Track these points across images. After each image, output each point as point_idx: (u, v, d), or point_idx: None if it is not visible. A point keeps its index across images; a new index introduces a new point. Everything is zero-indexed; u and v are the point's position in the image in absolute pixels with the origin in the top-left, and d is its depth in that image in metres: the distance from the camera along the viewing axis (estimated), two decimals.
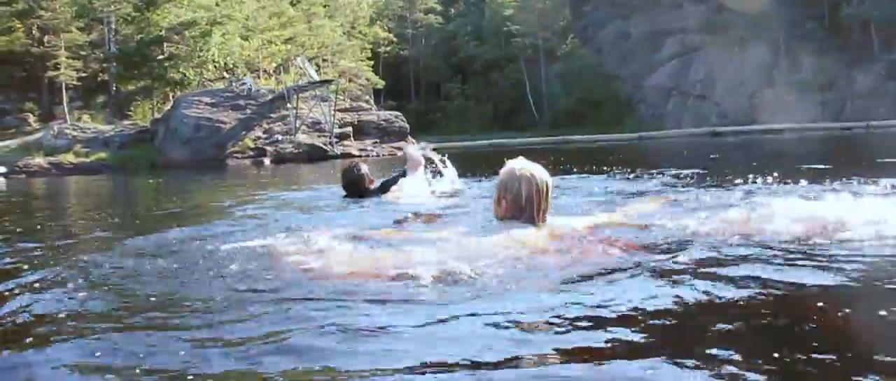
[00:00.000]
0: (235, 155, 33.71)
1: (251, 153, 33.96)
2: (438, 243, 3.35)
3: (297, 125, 35.03)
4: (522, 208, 3.43)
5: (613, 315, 2.17)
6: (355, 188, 6.48)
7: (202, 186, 15.68)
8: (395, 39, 67.43)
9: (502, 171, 3.55)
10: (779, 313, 2.14)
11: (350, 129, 36.52)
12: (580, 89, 60.83)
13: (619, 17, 66.20)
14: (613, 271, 2.75)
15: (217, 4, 44.30)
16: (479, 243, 3.24)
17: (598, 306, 2.26)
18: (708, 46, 57.48)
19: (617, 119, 56.20)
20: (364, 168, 6.62)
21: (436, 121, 60.35)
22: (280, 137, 34.73)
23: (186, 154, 33.68)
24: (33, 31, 44.91)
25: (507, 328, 2.06)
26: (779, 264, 2.69)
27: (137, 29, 42.10)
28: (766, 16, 51.75)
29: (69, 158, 35.13)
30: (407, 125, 38.70)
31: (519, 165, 3.52)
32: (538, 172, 3.49)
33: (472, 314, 2.21)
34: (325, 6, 59.64)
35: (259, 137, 34.97)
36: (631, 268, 2.78)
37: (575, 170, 10.22)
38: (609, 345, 1.92)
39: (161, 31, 40.91)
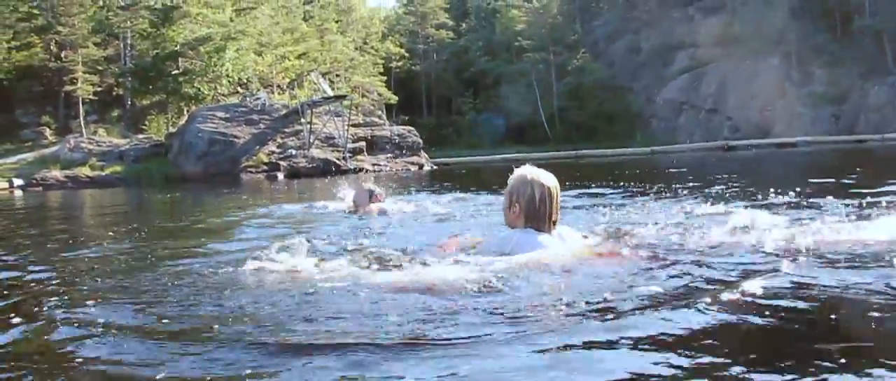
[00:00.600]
0: (249, 169, 33.90)
1: (265, 168, 34.13)
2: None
3: (311, 140, 35.21)
4: (536, 210, 3.53)
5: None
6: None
7: (218, 200, 15.80)
8: (406, 54, 67.47)
9: (512, 177, 3.65)
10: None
11: (363, 144, 36.66)
12: (592, 104, 60.81)
13: (629, 32, 66.31)
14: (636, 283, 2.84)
15: (231, 20, 44.65)
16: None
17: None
18: (719, 60, 57.41)
19: (629, 133, 56.13)
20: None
21: (448, 136, 60.35)
22: (294, 152, 34.91)
23: (201, 168, 33.91)
24: (51, 47, 45.48)
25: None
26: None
27: (153, 44, 42.55)
28: (778, 28, 51.68)
29: (85, 171, 35.46)
30: (420, 140, 38.80)
31: (529, 171, 3.64)
32: (548, 178, 3.60)
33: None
34: (337, 22, 59.96)
35: (273, 152, 35.16)
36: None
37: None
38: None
39: (176, 46, 41.29)
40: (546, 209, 3.54)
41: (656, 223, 4.55)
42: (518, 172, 3.66)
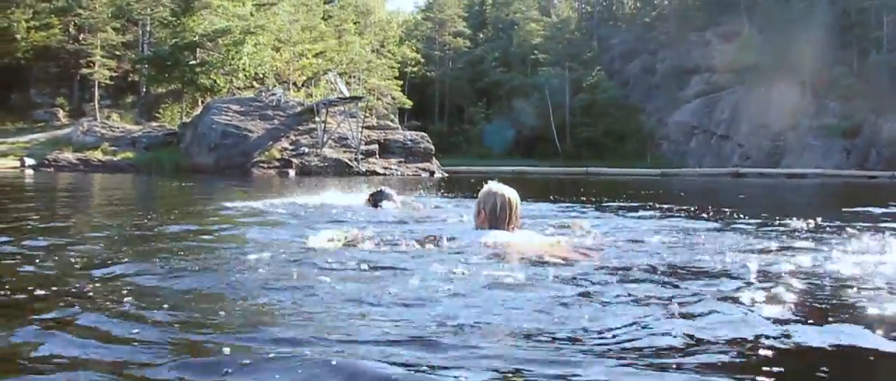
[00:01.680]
0: (261, 164, 33.91)
1: (276, 164, 34.15)
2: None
3: (325, 139, 35.21)
4: (497, 217, 4.30)
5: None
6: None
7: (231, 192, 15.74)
8: (422, 60, 67.45)
9: (481, 191, 4.42)
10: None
11: (376, 146, 36.68)
12: (603, 121, 60.79)
13: (646, 52, 66.39)
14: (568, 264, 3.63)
15: (251, 14, 44.68)
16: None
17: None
18: (734, 86, 57.48)
19: (639, 153, 56.16)
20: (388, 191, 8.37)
21: (458, 144, 60.34)
22: (306, 150, 34.92)
23: (212, 160, 33.94)
24: (70, 29, 45.60)
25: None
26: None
27: (172, 33, 42.51)
28: (794, 59, 51.64)
29: (97, 155, 35.53)
30: (432, 146, 38.75)
31: (494, 185, 4.42)
32: (509, 191, 4.38)
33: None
34: (355, 23, 60.03)
35: (285, 149, 35.17)
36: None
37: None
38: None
39: (195, 36, 41.15)
40: (505, 215, 4.30)
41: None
42: (485, 186, 4.44)
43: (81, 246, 4.42)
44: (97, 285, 2.98)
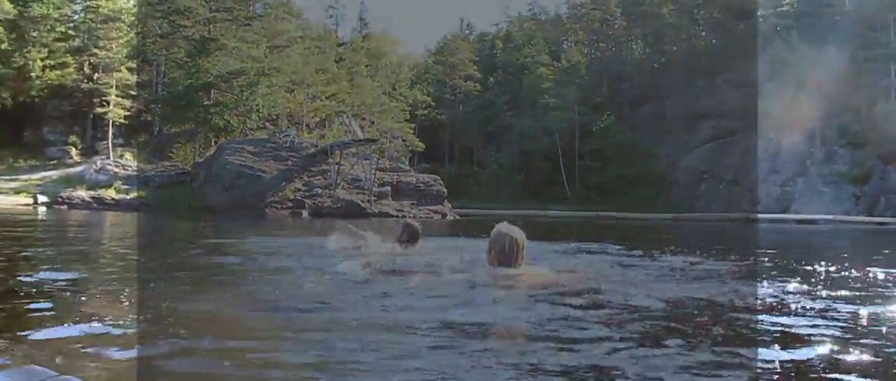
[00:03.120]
0: (274, 205, 33.91)
1: (289, 204, 34.14)
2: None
3: (338, 181, 35.26)
4: (506, 255, 4.92)
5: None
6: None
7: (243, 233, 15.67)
8: (433, 103, 67.73)
9: (493, 231, 5.04)
10: None
11: (388, 188, 36.69)
12: (614, 166, 60.80)
13: (656, 97, 66.59)
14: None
15: (266, 56, 45.01)
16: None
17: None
18: (743, 132, 57.52)
19: (649, 198, 56.00)
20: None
21: (467, 187, 60.23)
22: (319, 191, 34.94)
23: (225, 200, 33.94)
24: (85, 68, 46.04)
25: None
26: None
27: (187, 74, 42.75)
28: (803, 106, 51.76)
29: (110, 193, 35.61)
30: (444, 189, 38.68)
31: (505, 227, 5.04)
32: (517, 232, 5.00)
33: None
34: (367, 66, 60.49)
35: (298, 189, 35.20)
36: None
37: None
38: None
39: (210, 77, 41.34)
40: (513, 254, 4.94)
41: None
42: (497, 227, 5.04)
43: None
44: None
